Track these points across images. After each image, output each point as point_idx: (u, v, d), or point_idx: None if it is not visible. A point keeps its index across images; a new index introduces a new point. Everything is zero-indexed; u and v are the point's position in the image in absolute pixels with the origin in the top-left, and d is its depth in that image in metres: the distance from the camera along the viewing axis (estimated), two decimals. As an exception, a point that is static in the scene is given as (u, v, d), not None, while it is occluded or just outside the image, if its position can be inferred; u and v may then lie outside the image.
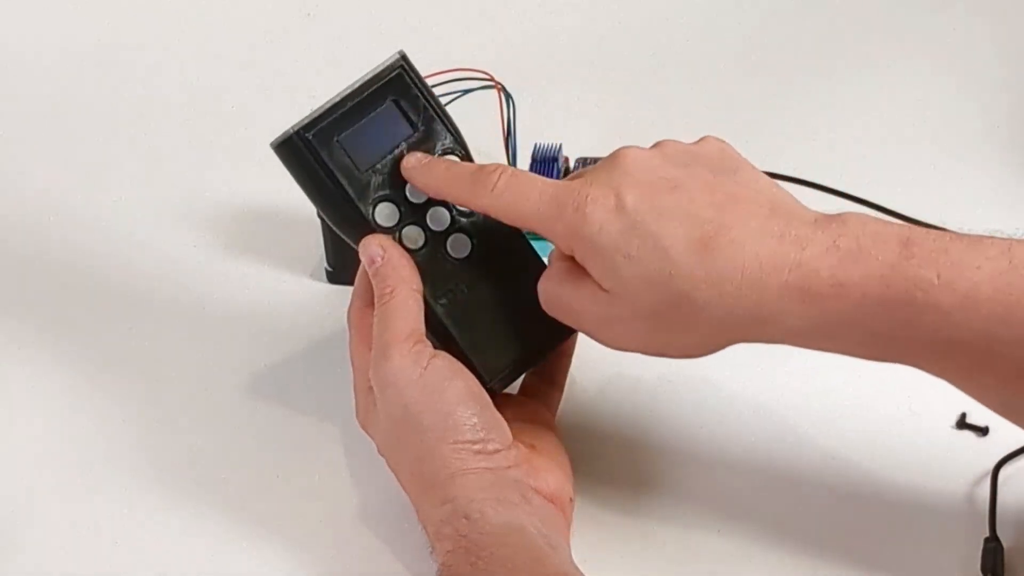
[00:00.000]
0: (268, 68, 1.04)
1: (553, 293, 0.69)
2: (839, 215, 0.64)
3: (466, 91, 0.84)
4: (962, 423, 0.74)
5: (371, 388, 0.70)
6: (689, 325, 0.65)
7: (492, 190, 0.68)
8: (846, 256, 0.62)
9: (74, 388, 0.80)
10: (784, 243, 0.63)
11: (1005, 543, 0.68)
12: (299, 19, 1.09)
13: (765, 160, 0.88)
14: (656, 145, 0.68)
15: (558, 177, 0.86)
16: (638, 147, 0.68)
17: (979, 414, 0.74)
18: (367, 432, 0.72)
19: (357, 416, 0.72)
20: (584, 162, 0.88)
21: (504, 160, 0.86)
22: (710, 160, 0.67)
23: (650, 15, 1.07)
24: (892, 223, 0.64)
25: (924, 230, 0.63)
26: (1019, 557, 0.68)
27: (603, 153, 0.87)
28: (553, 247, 0.69)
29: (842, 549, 0.70)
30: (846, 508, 0.71)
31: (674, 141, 0.68)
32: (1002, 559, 0.68)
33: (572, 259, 0.67)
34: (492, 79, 0.84)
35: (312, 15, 1.09)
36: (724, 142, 0.69)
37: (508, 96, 0.84)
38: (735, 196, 0.65)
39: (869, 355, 0.65)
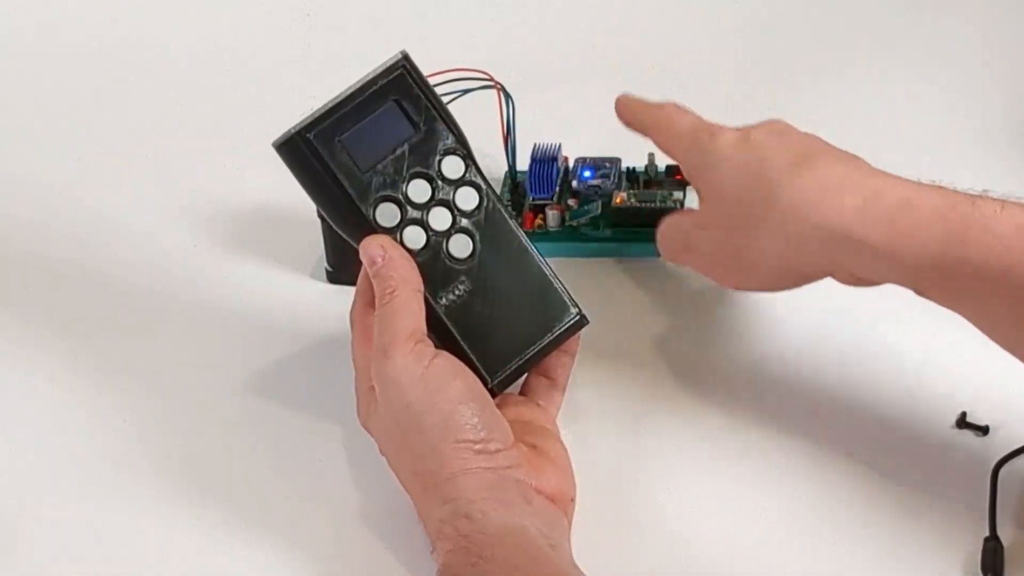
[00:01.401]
0: (268, 68, 1.04)
1: (663, 226, 0.77)
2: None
3: (466, 91, 0.84)
4: (962, 423, 0.74)
5: (373, 388, 0.70)
6: (763, 236, 0.70)
7: (663, 109, 0.77)
8: (920, 187, 0.68)
9: (73, 388, 0.80)
10: (871, 175, 0.69)
11: (1005, 542, 0.68)
12: (299, 19, 1.09)
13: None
14: None
15: (557, 178, 0.86)
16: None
17: (979, 413, 0.74)
18: (368, 432, 0.72)
19: (358, 416, 0.72)
20: (584, 162, 0.88)
21: (504, 161, 0.86)
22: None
23: (650, 15, 1.07)
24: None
25: None
26: (1019, 557, 0.68)
27: (603, 153, 0.88)
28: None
29: (842, 549, 0.70)
30: (846, 508, 0.71)
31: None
32: (1002, 558, 0.68)
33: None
34: (492, 79, 0.84)
35: (312, 15, 1.09)
36: None
37: (508, 96, 0.84)
38: (847, 153, 0.71)
39: (923, 280, 0.67)
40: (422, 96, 0.72)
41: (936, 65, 1.01)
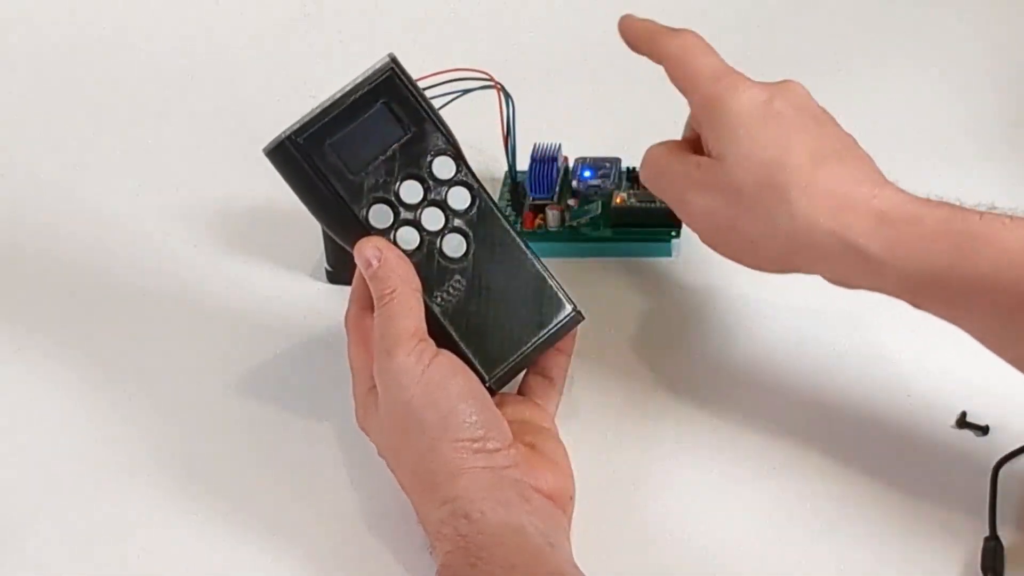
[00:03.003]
0: (268, 68, 1.04)
1: (657, 153, 0.74)
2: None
3: (466, 91, 0.84)
4: (962, 423, 0.74)
5: (371, 389, 0.70)
6: (769, 217, 0.69)
7: (680, 38, 0.75)
8: (929, 202, 0.67)
9: (73, 388, 0.80)
10: (877, 185, 0.68)
11: (1005, 542, 0.68)
12: (299, 19, 1.09)
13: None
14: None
15: (557, 178, 0.86)
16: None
17: (979, 413, 0.74)
18: (367, 435, 0.72)
19: (357, 419, 0.72)
20: (584, 162, 0.88)
21: (504, 160, 0.86)
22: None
23: (650, 15, 1.07)
24: None
25: None
26: (1019, 556, 0.68)
27: (603, 153, 0.88)
28: None
29: (842, 548, 0.70)
30: (846, 508, 0.71)
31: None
32: (1002, 558, 0.68)
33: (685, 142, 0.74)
34: (492, 79, 0.84)
35: (312, 15, 1.09)
36: None
37: (508, 96, 0.84)
38: (852, 148, 0.71)
39: (925, 292, 0.67)
40: (411, 98, 0.72)
41: (934, 65, 1.01)
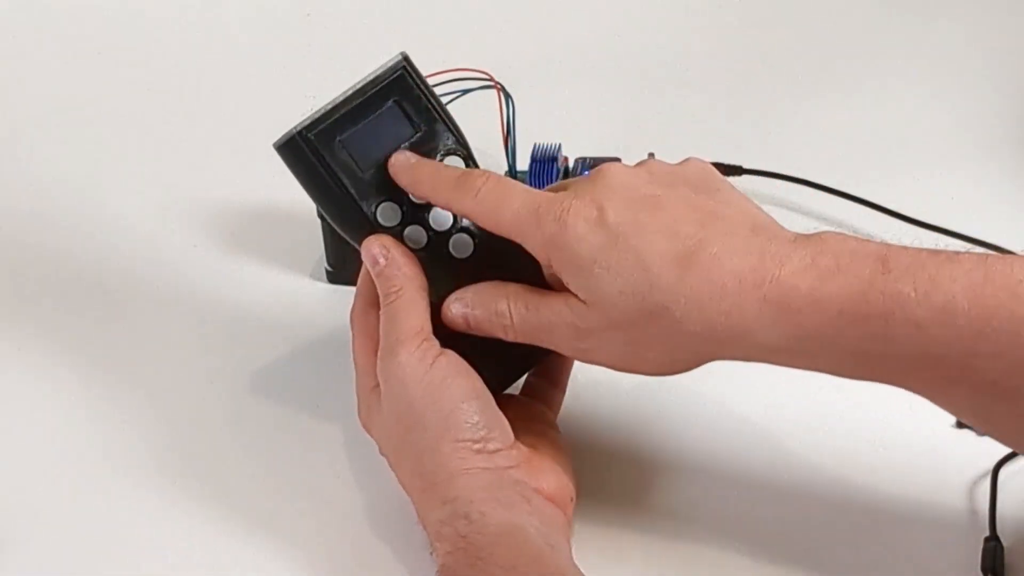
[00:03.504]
0: (268, 68, 1.04)
1: (527, 305, 0.68)
2: (818, 234, 0.64)
3: (466, 91, 0.84)
4: (962, 423, 0.74)
5: (375, 388, 0.70)
6: (665, 339, 0.65)
7: (475, 195, 0.68)
8: (824, 273, 0.62)
9: (72, 388, 0.80)
10: (764, 259, 0.63)
11: (1005, 543, 0.68)
12: (299, 19, 1.09)
13: (765, 160, 0.88)
14: (640, 163, 0.69)
15: (557, 177, 0.87)
16: (623, 164, 0.68)
17: (979, 414, 0.74)
18: (369, 432, 0.72)
19: (359, 416, 0.72)
20: (584, 162, 0.88)
21: (504, 160, 0.86)
22: (693, 180, 0.68)
23: (650, 16, 1.07)
24: (870, 241, 0.64)
25: (901, 247, 0.63)
26: (1019, 557, 0.68)
27: (603, 153, 0.88)
28: None
29: (842, 549, 0.70)
30: (846, 508, 0.71)
31: (658, 160, 0.69)
32: (1002, 559, 0.68)
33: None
34: (492, 79, 0.84)
35: (312, 15, 1.09)
36: (707, 164, 0.69)
37: (508, 96, 0.84)
38: (716, 214, 0.65)
39: (845, 372, 0.64)
40: (423, 97, 0.72)
41: (938, 67, 1.01)
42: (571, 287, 0.66)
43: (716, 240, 0.64)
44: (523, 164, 0.87)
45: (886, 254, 0.62)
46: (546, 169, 0.86)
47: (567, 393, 0.76)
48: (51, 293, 0.87)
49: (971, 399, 0.63)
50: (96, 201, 0.93)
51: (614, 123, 0.96)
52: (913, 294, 0.60)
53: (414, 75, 0.72)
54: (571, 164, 0.89)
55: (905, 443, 0.74)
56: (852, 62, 1.01)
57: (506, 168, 0.87)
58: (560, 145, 0.88)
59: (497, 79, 0.84)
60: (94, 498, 0.74)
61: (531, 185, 0.85)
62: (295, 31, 1.08)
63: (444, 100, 0.75)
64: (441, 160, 0.72)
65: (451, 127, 0.72)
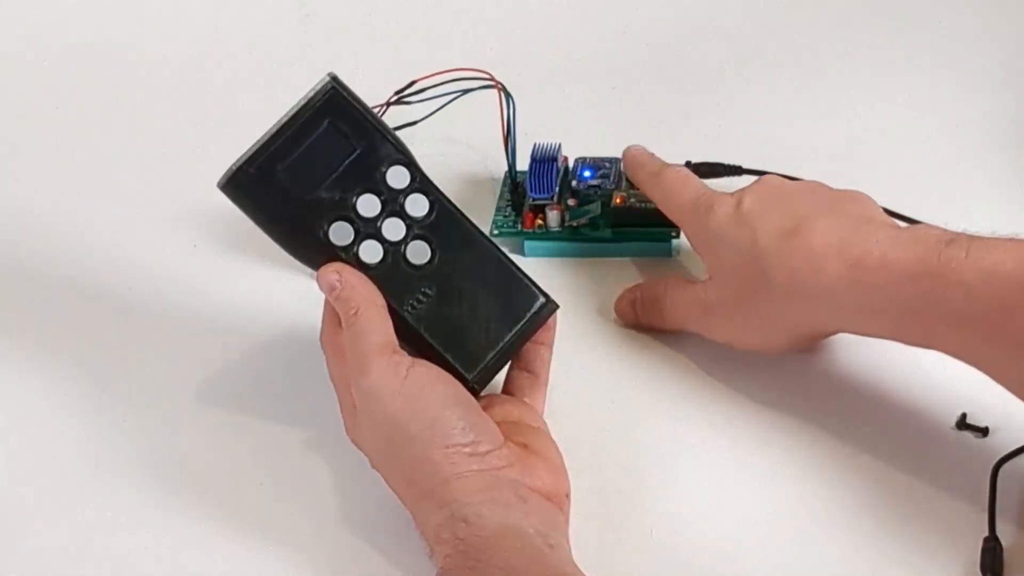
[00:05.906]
0: (267, 68, 1.04)
1: (687, 296, 0.78)
2: (914, 226, 0.72)
3: (466, 91, 0.84)
4: (962, 423, 0.74)
5: (355, 406, 0.70)
6: (767, 305, 0.73)
7: (662, 184, 0.80)
8: (898, 243, 0.69)
9: (70, 389, 0.80)
10: (856, 234, 0.70)
11: (1005, 543, 0.68)
12: (299, 19, 1.09)
13: (766, 160, 0.88)
14: (802, 181, 0.78)
15: (557, 176, 0.87)
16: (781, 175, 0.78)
17: (979, 414, 0.74)
18: (358, 447, 0.72)
19: (347, 432, 0.72)
20: (584, 162, 0.88)
21: (504, 160, 0.86)
22: (836, 190, 0.75)
23: (650, 15, 1.07)
24: (953, 231, 0.69)
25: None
26: (1019, 557, 0.68)
27: (603, 153, 0.88)
28: None
29: (842, 549, 0.70)
30: (846, 507, 0.71)
31: (818, 182, 0.76)
32: (1001, 559, 0.68)
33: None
34: (492, 79, 0.84)
35: (311, 15, 1.09)
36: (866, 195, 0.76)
37: (508, 96, 0.84)
38: (836, 206, 0.73)
39: (903, 334, 0.70)
40: (356, 114, 0.72)
41: (941, 65, 1.00)
42: (707, 265, 0.76)
43: (821, 219, 0.72)
44: (523, 164, 0.87)
45: (959, 235, 0.68)
46: (546, 169, 0.86)
47: (562, 390, 0.76)
48: (48, 293, 0.87)
49: (1010, 358, 0.67)
50: (96, 201, 0.93)
51: (614, 123, 0.96)
52: (964, 256, 0.66)
53: (345, 93, 0.72)
54: (571, 164, 0.89)
55: (905, 443, 0.74)
56: (852, 62, 1.01)
57: (506, 168, 0.87)
58: (560, 145, 0.88)
59: (497, 79, 0.84)
60: (88, 500, 0.74)
61: (531, 185, 0.86)
62: (295, 33, 1.08)
63: (444, 100, 0.75)
64: (384, 172, 0.72)
65: (389, 138, 0.73)
